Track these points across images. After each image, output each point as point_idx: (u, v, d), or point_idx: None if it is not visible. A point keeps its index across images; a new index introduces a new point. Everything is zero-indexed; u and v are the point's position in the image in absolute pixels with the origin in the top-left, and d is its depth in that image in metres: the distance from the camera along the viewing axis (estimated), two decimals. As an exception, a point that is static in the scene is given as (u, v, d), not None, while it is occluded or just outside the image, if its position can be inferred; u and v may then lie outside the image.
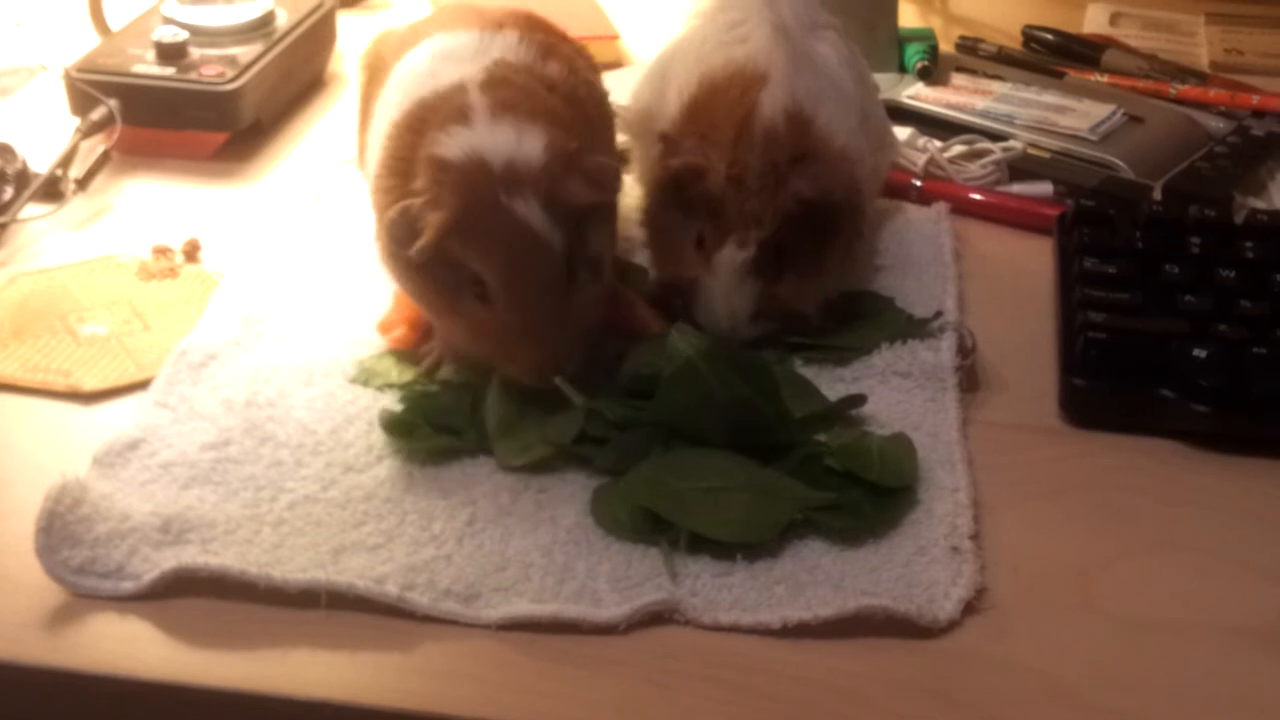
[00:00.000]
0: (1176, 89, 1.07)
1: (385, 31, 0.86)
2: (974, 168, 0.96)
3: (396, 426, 0.70)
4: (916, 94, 1.05)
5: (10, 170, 0.89)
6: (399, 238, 0.68)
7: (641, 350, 0.72)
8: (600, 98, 0.82)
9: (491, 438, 0.69)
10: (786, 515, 0.65)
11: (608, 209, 0.74)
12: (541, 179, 0.68)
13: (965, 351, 0.77)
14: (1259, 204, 0.92)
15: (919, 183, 0.94)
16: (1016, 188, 0.95)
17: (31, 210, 0.88)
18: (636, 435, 0.68)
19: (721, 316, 0.75)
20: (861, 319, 0.79)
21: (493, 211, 0.67)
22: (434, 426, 0.70)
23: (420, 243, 0.67)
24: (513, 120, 0.69)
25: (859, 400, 0.73)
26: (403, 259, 0.69)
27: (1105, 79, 1.10)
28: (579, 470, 0.68)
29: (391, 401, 0.72)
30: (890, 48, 1.09)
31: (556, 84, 0.75)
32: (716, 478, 0.66)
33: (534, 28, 0.80)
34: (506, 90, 0.72)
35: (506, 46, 0.76)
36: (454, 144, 0.69)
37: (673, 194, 0.77)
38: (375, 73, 0.82)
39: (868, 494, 0.66)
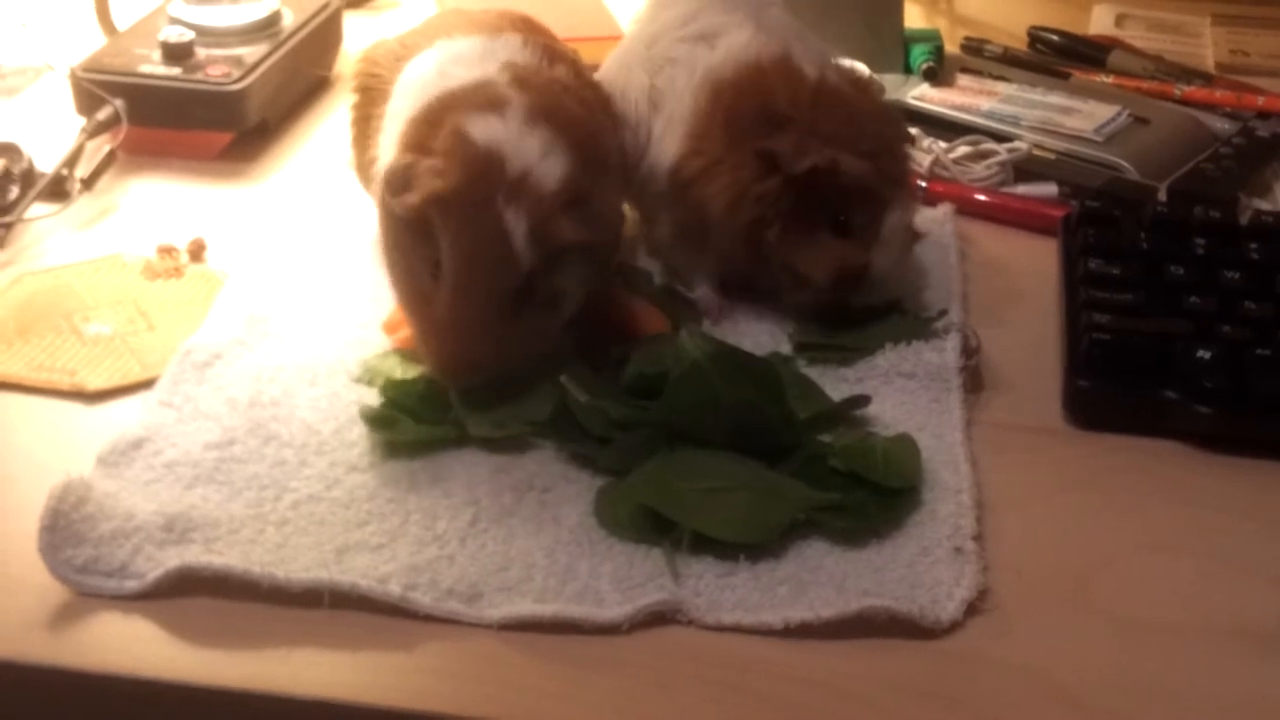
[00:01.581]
0: (1182, 90, 1.07)
1: (373, 47, 0.85)
2: (979, 169, 0.96)
3: (377, 420, 0.70)
4: (922, 95, 1.05)
5: (16, 170, 0.90)
6: (391, 184, 0.69)
7: (646, 349, 0.72)
8: (604, 100, 0.82)
9: (461, 413, 0.69)
10: (789, 515, 0.65)
11: (597, 250, 0.72)
12: (542, 202, 0.68)
13: (969, 352, 0.77)
14: (1264, 205, 0.92)
15: (924, 184, 0.94)
16: (1021, 189, 0.95)
17: (37, 209, 0.88)
18: (641, 435, 0.68)
19: (894, 280, 0.78)
20: (866, 320, 0.79)
21: (483, 206, 0.67)
22: (414, 418, 0.70)
23: (408, 199, 0.68)
24: (546, 134, 0.69)
25: (863, 401, 0.73)
26: (388, 207, 0.70)
27: (1110, 80, 1.10)
28: (582, 470, 0.68)
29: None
30: (896, 49, 1.09)
31: (569, 87, 0.75)
32: (720, 478, 0.66)
33: (532, 30, 0.80)
34: (536, 94, 0.71)
35: (512, 49, 0.76)
36: (485, 129, 0.69)
37: (796, 200, 0.76)
38: (373, 89, 0.81)
39: (871, 495, 0.66)
